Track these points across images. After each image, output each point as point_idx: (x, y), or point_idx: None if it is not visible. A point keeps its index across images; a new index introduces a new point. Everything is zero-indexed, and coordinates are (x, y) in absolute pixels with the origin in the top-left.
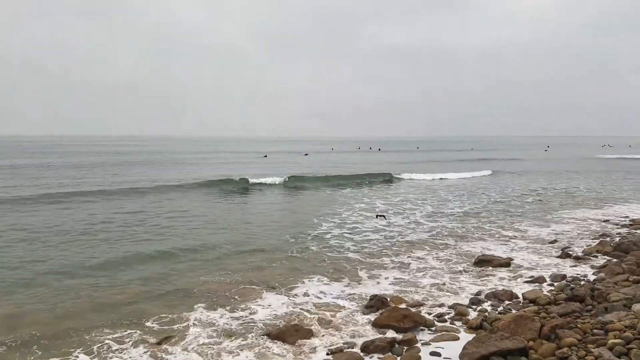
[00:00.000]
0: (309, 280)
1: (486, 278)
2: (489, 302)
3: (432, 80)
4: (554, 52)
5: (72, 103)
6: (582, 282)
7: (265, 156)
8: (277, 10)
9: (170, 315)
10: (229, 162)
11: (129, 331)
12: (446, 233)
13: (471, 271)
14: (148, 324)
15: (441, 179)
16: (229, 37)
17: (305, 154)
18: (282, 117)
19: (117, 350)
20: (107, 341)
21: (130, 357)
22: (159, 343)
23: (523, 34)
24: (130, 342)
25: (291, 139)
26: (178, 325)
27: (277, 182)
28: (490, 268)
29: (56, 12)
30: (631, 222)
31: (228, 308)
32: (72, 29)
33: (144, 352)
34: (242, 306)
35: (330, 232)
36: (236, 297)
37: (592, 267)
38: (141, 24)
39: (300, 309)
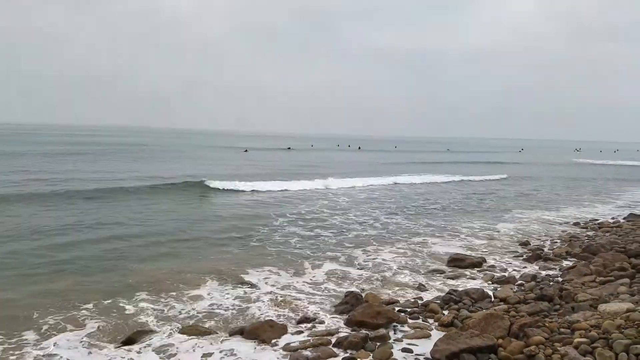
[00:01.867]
0: (271, 273)
1: (459, 277)
2: (461, 301)
3: (415, 82)
4: (533, 58)
5: (48, 92)
6: (551, 283)
7: (246, 150)
8: (263, 6)
9: (107, 302)
10: (202, 158)
11: (59, 318)
12: (417, 232)
13: (444, 270)
14: (85, 310)
15: (420, 183)
16: (212, 30)
17: (288, 148)
18: (265, 113)
19: (48, 338)
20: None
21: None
22: (125, 342)
23: (508, 39)
24: (59, 330)
25: (273, 135)
26: (126, 313)
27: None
28: (463, 267)
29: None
30: (599, 225)
31: (184, 301)
32: (45, 17)
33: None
34: (197, 298)
35: (285, 228)
36: (185, 288)
37: (561, 268)
38: (120, 14)
39: (265, 303)
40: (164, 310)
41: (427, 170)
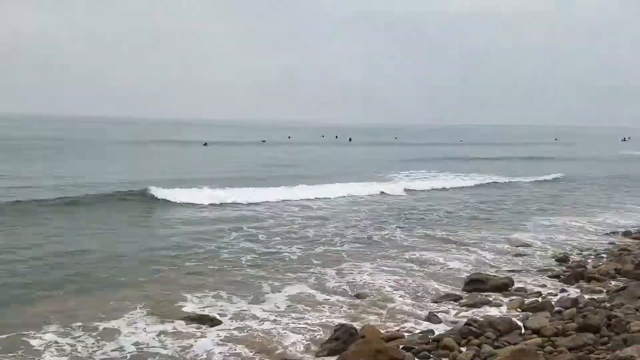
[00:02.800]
0: (219, 300)
1: (479, 304)
2: (483, 334)
3: (413, 58)
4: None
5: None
6: (597, 309)
7: (205, 144)
8: None
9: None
10: (148, 156)
11: None
12: (421, 248)
13: (459, 295)
14: None
15: (440, 188)
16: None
17: (263, 141)
18: (236, 99)
19: None
20: None
21: None
22: None
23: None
24: None
25: (245, 124)
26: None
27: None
28: (484, 291)
29: None
30: None
31: (105, 338)
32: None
33: None
34: (121, 334)
35: (240, 244)
36: (106, 321)
37: (609, 290)
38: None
39: (216, 340)
40: (80, 351)
41: (434, 168)
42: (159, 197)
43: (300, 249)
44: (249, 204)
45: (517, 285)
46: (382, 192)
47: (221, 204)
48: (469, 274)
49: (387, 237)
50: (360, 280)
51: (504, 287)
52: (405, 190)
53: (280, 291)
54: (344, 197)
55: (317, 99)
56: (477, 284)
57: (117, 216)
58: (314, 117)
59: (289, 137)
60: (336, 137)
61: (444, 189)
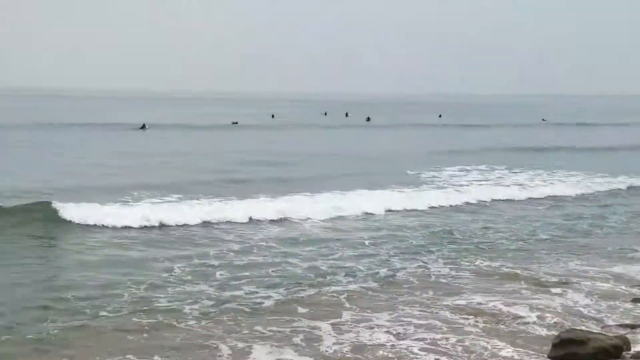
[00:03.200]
0: None
1: None
2: None
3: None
4: None
5: None
6: None
7: (143, 127)
8: None
9: None
10: (58, 150)
11: None
12: (479, 286)
13: None
14: None
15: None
16: None
17: (234, 123)
18: (209, 66)
19: None
20: None
21: None
22: None
23: None
24: None
25: (217, 97)
26: None
27: None
28: (584, 357)
29: None
30: None
31: None
32: None
33: None
34: None
35: (184, 285)
36: None
37: None
38: None
39: None
40: None
41: (498, 162)
42: (66, 217)
43: (279, 292)
44: (204, 223)
45: (634, 348)
46: (419, 204)
47: (159, 225)
48: (555, 331)
49: (418, 272)
50: (372, 341)
51: (614, 351)
52: (451, 198)
53: (247, 357)
54: (358, 211)
55: (314, 61)
56: (571, 347)
57: (2, 243)
58: (309, 86)
59: (273, 117)
60: (347, 115)
61: (512, 198)
